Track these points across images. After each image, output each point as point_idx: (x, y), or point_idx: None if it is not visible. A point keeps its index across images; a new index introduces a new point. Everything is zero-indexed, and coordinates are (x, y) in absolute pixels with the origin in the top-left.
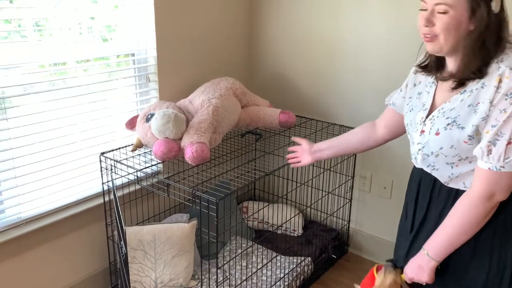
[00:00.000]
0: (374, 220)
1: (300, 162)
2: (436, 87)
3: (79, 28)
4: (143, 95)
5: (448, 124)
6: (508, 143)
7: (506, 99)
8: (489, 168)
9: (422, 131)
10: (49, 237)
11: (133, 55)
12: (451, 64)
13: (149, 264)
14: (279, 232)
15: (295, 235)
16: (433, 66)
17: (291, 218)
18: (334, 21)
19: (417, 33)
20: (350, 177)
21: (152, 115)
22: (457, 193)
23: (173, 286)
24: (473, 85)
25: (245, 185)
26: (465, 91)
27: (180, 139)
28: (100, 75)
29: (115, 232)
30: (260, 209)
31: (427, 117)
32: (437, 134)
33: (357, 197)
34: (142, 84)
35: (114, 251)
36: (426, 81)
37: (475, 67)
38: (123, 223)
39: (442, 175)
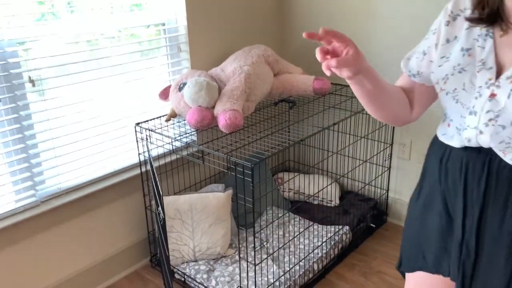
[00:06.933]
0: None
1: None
2: (494, 40)
3: (110, 7)
4: (174, 66)
5: None
6: None
7: None
8: None
9: (493, 95)
10: (88, 207)
11: (163, 24)
12: None
13: (187, 233)
14: (315, 202)
15: (332, 205)
16: (495, 13)
17: (326, 186)
18: None
19: None
20: (388, 145)
21: (185, 84)
22: None
23: (211, 254)
24: None
25: (280, 151)
26: None
27: (213, 107)
28: (131, 45)
29: (153, 202)
30: (295, 176)
31: (497, 77)
32: None
33: (396, 165)
34: (174, 54)
35: (153, 221)
36: (472, 34)
37: None
38: (160, 189)
39: None
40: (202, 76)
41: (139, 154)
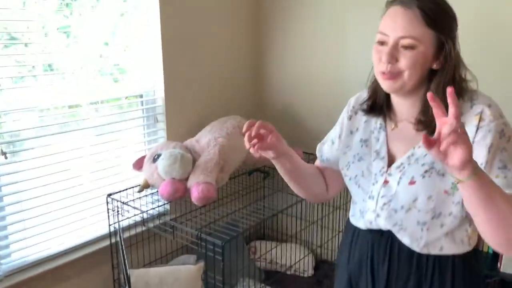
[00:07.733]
0: None
1: (262, 147)
2: (386, 133)
3: (90, 70)
4: (151, 135)
5: (426, 172)
6: None
7: (490, 132)
8: None
9: (386, 182)
10: (55, 280)
11: (141, 96)
12: (407, 107)
13: None
14: (288, 273)
15: (306, 275)
16: (381, 108)
17: (301, 259)
18: (339, 57)
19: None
20: None
21: (159, 155)
22: (427, 259)
23: None
24: None
25: (252, 226)
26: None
27: (187, 179)
28: (109, 116)
29: (122, 275)
30: (269, 251)
31: (389, 166)
32: (412, 183)
33: None
34: (150, 125)
35: None
36: (369, 127)
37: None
38: (127, 267)
39: (410, 236)
40: (177, 147)
41: (109, 225)
